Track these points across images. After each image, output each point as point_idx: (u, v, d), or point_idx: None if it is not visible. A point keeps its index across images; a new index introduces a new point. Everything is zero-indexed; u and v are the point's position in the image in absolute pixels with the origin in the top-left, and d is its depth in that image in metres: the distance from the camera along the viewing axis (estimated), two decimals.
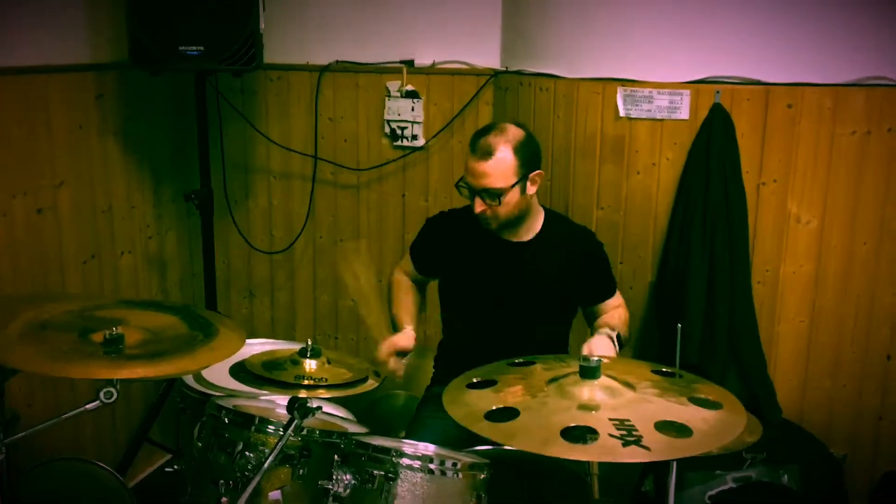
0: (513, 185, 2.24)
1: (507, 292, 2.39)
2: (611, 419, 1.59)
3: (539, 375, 1.84)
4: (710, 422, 1.63)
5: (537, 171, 2.31)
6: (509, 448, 1.73)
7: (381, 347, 2.31)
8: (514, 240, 2.39)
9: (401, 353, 2.36)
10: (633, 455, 1.50)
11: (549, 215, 2.45)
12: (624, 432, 1.55)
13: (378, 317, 2.35)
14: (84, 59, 2.92)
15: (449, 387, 1.85)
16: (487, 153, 2.22)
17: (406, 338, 2.38)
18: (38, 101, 2.72)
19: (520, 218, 2.35)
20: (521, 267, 2.38)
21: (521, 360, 1.98)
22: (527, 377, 1.84)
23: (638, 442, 1.52)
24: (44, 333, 1.77)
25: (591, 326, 2.47)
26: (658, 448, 1.52)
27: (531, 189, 2.31)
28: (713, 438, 1.58)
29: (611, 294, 2.48)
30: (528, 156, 2.27)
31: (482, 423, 1.64)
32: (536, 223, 2.41)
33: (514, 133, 2.27)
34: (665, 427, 1.58)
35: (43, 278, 2.78)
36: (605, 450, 1.51)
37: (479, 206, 2.27)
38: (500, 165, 2.22)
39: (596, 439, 1.54)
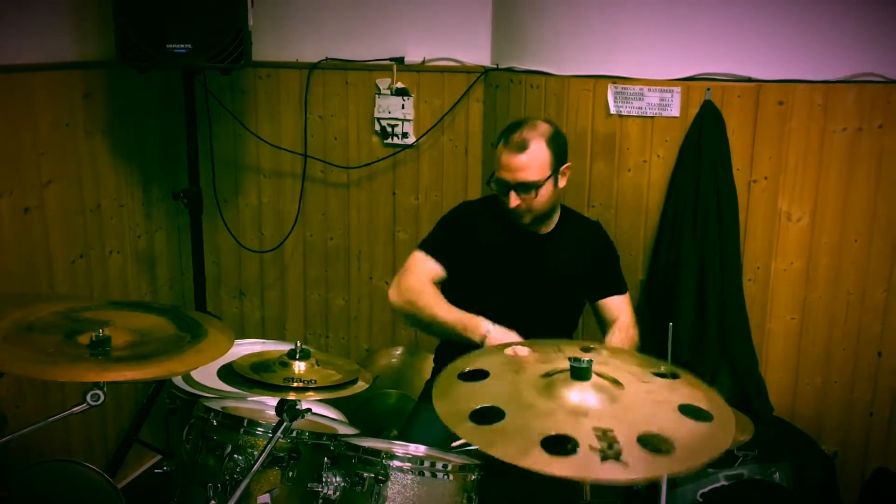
0: (547, 178, 2.29)
1: (526, 282, 2.41)
2: (594, 428, 1.56)
3: (534, 369, 1.80)
4: (696, 436, 1.59)
5: (567, 165, 2.37)
6: None
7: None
8: (536, 231, 2.43)
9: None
10: (609, 471, 1.46)
11: (563, 209, 2.51)
12: (605, 445, 1.51)
13: None
14: (71, 57, 2.90)
15: (441, 376, 1.81)
16: (522, 146, 2.26)
17: (504, 333, 2.22)
18: (24, 99, 2.69)
19: (551, 211, 2.41)
20: (542, 258, 2.42)
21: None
22: (519, 371, 1.81)
23: (617, 457, 1.49)
24: (30, 335, 1.76)
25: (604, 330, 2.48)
26: (636, 465, 1.47)
27: (562, 182, 2.36)
28: (695, 455, 1.52)
29: (618, 292, 2.50)
30: (560, 149, 2.34)
31: (466, 424, 1.61)
32: (556, 216, 2.47)
33: (545, 127, 2.33)
34: (647, 441, 1.55)
35: (31, 278, 2.75)
36: (582, 465, 1.47)
37: (514, 201, 2.29)
38: (536, 158, 2.27)
39: (576, 451, 1.51)
